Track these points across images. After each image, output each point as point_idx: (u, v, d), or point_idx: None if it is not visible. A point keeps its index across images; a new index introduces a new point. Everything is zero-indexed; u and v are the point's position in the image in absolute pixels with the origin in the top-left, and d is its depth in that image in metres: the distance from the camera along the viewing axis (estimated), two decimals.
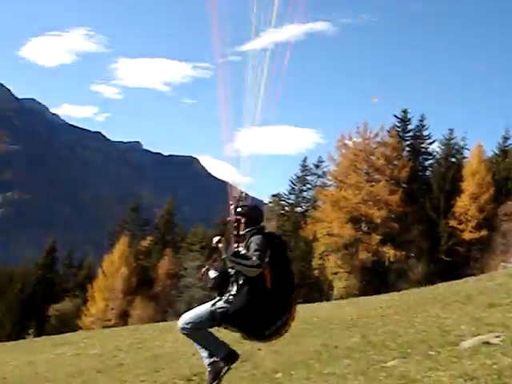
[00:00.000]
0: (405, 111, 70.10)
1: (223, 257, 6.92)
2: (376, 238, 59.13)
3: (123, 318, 67.75)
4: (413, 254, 61.84)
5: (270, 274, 6.87)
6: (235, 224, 7.30)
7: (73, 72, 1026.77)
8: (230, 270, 7.02)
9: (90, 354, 28.07)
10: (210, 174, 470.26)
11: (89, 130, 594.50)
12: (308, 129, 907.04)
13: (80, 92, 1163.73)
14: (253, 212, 7.44)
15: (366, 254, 59.65)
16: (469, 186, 59.01)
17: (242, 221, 7.28)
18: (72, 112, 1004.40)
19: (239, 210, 7.37)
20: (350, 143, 64.65)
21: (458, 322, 14.38)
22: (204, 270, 7.39)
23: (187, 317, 7.38)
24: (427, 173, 69.69)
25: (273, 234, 7.95)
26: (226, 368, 7.33)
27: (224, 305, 7.04)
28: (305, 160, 78.29)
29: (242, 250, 7.02)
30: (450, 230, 58.58)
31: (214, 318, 7.09)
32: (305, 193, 76.95)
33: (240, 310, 6.90)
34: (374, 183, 62.39)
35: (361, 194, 61.13)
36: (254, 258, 6.70)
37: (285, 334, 7.24)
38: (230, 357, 7.36)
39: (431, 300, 22.61)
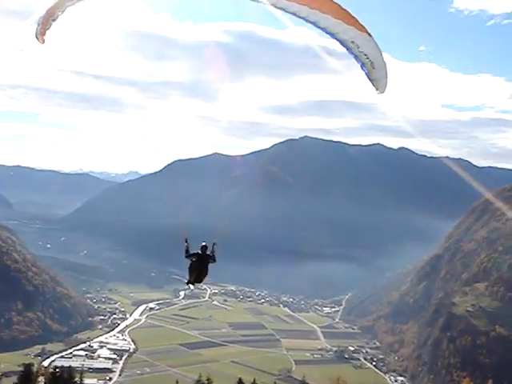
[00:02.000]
0: None
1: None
2: None
3: None
4: None
5: (195, 261, 24.10)
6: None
7: None
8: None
9: None
10: None
11: None
12: None
13: None
14: (202, 249, 24.31)
15: None
16: None
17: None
18: None
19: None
20: None
21: None
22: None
23: None
24: None
25: (202, 252, 24.23)
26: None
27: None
28: None
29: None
30: None
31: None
32: None
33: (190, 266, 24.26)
34: None
35: None
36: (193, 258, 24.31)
37: (197, 281, 24.21)
38: (190, 282, 24.27)
39: None
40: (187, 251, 24.42)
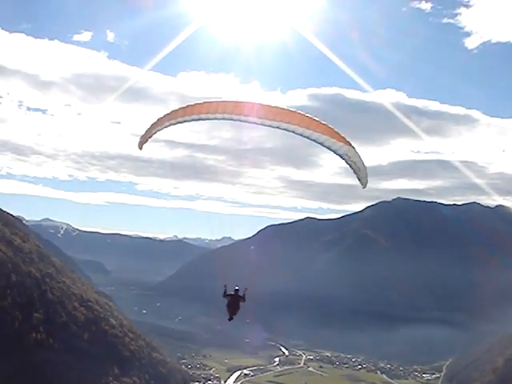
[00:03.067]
0: None
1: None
2: None
3: None
4: None
5: (230, 300, 32.01)
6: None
7: None
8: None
9: None
10: None
11: None
12: None
13: None
14: (235, 291, 32.05)
15: None
16: None
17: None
18: None
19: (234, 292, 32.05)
20: None
21: None
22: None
23: None
24: None
25: (235, 292, 31.96)
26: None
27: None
28: None
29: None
30: None
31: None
32: None
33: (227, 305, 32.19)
34: None
35: None
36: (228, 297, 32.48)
37: (233, 314, 31.93)
38: (230, 318, 32.20)
39: None
40: (225, 292, 32.46)
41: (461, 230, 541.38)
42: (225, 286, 32.39)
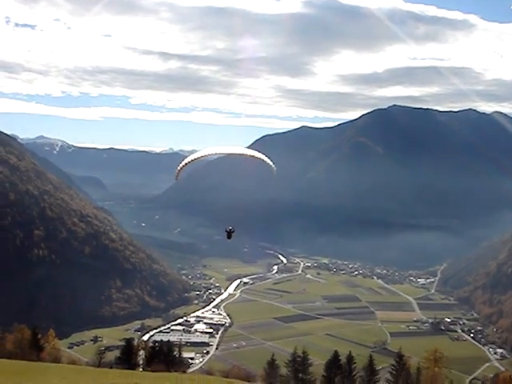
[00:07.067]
0: None
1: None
2: None
3: None
4: None
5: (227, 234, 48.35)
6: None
7: None
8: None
9: None
10: None
11: None
12: None
13: None
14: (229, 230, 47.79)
15: None
16: None
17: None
18: None
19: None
20: None
21: None
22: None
23: None
24: None
25: (230, 230, 47.87)
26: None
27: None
28: None
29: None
30: None
31: None
32: None
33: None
34: None
35: None
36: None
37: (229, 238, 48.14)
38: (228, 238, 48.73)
39: None
40: (225, 230, 47.09)
41: (456, 137, 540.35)
42: (225, 228, 47.82)
